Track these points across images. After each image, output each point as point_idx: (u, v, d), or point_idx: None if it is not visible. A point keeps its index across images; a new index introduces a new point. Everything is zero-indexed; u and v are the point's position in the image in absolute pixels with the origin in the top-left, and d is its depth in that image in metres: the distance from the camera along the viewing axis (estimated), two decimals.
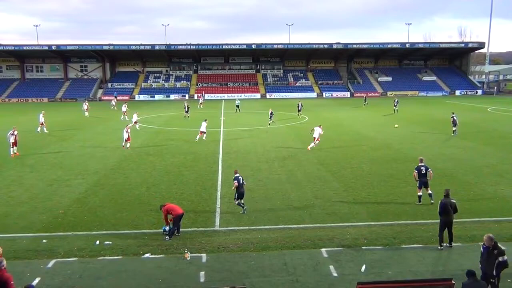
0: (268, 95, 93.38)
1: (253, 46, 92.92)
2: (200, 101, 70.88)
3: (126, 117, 50.03)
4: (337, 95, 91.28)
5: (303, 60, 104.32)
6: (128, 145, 30.85)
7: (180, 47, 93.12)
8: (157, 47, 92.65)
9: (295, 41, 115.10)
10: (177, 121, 48.32)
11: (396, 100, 56.72)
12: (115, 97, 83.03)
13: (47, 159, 27.70)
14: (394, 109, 54.45)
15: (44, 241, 14.17)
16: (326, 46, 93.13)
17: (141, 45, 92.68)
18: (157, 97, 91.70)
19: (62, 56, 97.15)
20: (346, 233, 14.59)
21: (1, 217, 16.53)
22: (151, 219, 16.00)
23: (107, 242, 13.93)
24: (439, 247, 13.27)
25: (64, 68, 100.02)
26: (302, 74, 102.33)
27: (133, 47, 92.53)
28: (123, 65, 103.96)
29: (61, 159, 27.63)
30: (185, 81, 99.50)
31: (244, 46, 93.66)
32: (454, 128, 35.64)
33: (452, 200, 13.55)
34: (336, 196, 18.80)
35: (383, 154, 27.78)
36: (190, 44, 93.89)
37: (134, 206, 17.70)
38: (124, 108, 51.87)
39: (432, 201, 17.19)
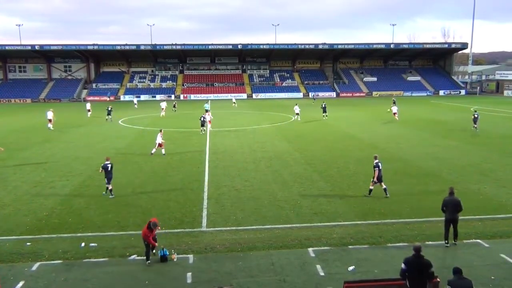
0: (254, 95, 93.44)
1: (239, 47, 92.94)
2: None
3: (89, 114, 53.72)
4: (323, 95, 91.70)
5: (289, 61, 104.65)
6: (163, 151, 28.36)
7: (165, 47, 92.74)
8: (142, 47, 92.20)
9: (281, 41, 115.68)
10: (162, 122, 48.02)
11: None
12: (108, 97, 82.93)
13: (31, 160, 27.30)
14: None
15: (28, 243, 13.96)
16: (312, 47, 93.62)
17: (126, 45, 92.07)
18: (143, 97, 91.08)
19: (45, 56, 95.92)
20: (333, 233, 14.67)
21: None
22: (137, 221, 15.87)
23: (92, 244, 13.78)
24: (445, 244, 13.48)
25: (48, 68, 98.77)
26: (288, 74, 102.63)
27: (118, 47, 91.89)
28: (108, 65, 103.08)
29: (45, 160, 27.25)
30: (171, 81, 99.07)
31: (230, 46, 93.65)
32: (475, 125, 37.96)
33: (457, 198, 13.70)
34: (323, 195, 18.87)
35: (369, 154, 27.91)
36: (175, 44, 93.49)
37: (120, 207, 17.54)
38: (88, 106, 55.81)
39: (388, 195, 18.22)
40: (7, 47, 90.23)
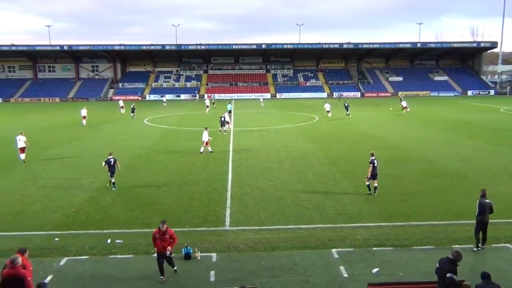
0: (278, 95, 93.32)
1: (263, 46, 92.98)
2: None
3: (123, 110, 57.11)
4: (347, 95, 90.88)
5: (313, 60, 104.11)
6: (210, 148, 28.78)
7: (190, 47, 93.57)
8: (167, 47, 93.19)
9: (305, 41, 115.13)
10: (187, 121, 48.50)
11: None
12: (139, 96, 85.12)
13: (59, 158, 27.96)
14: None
15: (56, 239, 14.31)
16: (336, 46, 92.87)
17: (152, 45, 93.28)
18: (168, 96, 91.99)
19: (73, 56, 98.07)
20: (356, 234, 14.52)
21: (14, 215, 16.73)
22: (162, 218, 16.00)
23: (118, 241, 14.02)
24: (475, 248, 13.15)
25: (76, 68, 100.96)
26: (312, 74, 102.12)
27: (144, 47, 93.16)
28: (133, 65, 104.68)
29: (73, 158, 27.87)
30: (195, 81, 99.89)
31: (254, 46, 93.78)
32: None
33: (488, 201, 13.34)
34: (347, 196, 18.71)
35: (393, 154, 27.60)
36: (200, 44, 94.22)
37: (144, 205, 17.79)
38: (121, 103, 59.47)
39: (376, 193, 18.56)
40: (37, 48, 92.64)
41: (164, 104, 71.70)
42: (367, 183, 18.93)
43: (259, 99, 75.25)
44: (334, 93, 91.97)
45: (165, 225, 11.72)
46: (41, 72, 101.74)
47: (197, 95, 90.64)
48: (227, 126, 38.75)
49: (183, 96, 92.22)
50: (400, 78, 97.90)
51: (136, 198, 18.76)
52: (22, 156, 26.89)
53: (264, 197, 18.71)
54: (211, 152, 28.65)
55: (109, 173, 20.06)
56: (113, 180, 20.08)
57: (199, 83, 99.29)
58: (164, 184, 21.13)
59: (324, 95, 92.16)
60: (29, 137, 29.76)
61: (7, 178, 22.66)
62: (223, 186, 20.62)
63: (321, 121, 47.03)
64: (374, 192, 18.73)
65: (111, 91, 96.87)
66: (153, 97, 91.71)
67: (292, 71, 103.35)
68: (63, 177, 22.75)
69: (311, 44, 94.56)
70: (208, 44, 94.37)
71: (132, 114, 52.13)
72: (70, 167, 25.07)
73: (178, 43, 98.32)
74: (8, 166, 25.67)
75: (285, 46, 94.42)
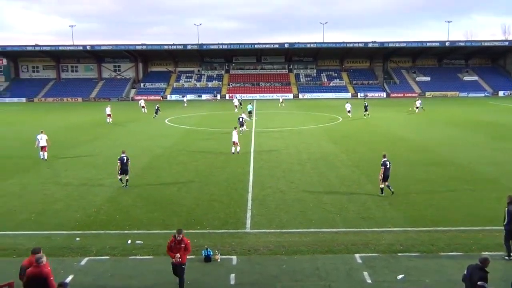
0: (300, 95, 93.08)
1: (286, 46, 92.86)
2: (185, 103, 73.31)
3: (145, 110, 58.54)
4: (372, 96, 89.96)
5: (337, 60, 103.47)
6: (238, 149, 29.01)
7: (212, 47, 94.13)
8: (189, 47, 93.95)
9: (329, 40, 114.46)
10: (208, 121, 48.81)
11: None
12: (162, 96, 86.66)
13: (81, 158, 28.50)
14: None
15: (77, 239, 14.57)
16: (361, 45, 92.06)
17: (173, 44, 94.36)
18: (189, 96, 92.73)
19: (96, 56, 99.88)
20: (381, 239, 14.33)
21: (37, 214, 17.12)
22: (182, 220, 16.20)
23: (138, 242, 14.19)
24: (506, 257, 12.76)
25: (98, 68, 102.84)
26: (336, 74, 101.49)
27: (166, 47, 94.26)
28: (155, 65, 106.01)
29: (94, 158, 28.37)
30: (217, 81, 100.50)
31: (277, 46, 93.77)
32: None
33: None
34: (371, 199, 18.49)
35: (420, 157, 27.17)
36: (222, 44, 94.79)
37: (165, 206, 17.97)
38: (142, 103, 60.74)
39: (392, 191, 18.78)
40: (60, 48, 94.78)
41: (185, 104, 72.45)
42: (381, 186, 18.98)
43: (279, 99, 74.89)
44: (358, 94, 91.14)
45: (181, 235, 11.29)
46: (64, 72, 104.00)
47: (217, 95, 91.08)
48: (243, 127, 38.70)
49: (204, 96, 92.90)
50: (428, 78, 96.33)
51: (156, 199, 18.96)
52: (45, 154, 27.76)
53: (286, 199, 18.66)
54: (238, 152, 28.89)
55: (119, 170, 20.67)
56: (126, 178, 20.79)
57: (220, 83, 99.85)
58: (185, 184, 21.29)
59: (348, 95, 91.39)
60: (51, 137, 30.51)
61: (31, 177, 23.22)
62: (244, 187, 20.65)
63: (344, 122, 46.65)
64: (381, 193, 18.89)
65: (133, 91, 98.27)
66: (174, 97, 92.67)
67: (315, 71, 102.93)
68: (85, 176, 23.18)
69: (335, 43, 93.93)
70: (230, 44, 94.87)
71: (155, 115, 52.76)
72: (92, 167, 25.52)
73: (200, 42, 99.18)
74: (32, 165, 26.31)
75: (308, 45, 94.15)
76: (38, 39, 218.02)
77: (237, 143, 29.05)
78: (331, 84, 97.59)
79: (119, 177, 20.86)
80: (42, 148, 27.92)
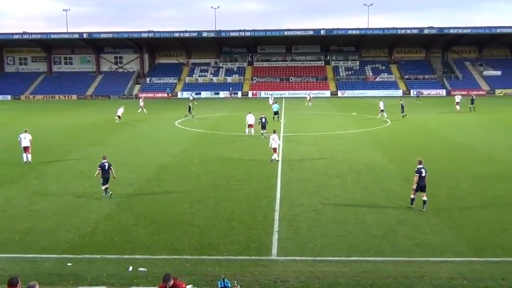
0: (340, 93, 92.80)
1: (322, 32, 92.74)
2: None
3: (144, 110, 60.54)
4: (428, 93, 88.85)
5: (385, 49, 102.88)
6: (276, 157, 29.58)
7: (232, 34, 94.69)
8: (204, 34, 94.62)
9: (375, 25, 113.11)
10: (226, 124, 49.02)
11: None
12: (168, 93, 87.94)
13: (75, 166, 28.97)
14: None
15: (69, 264, 14.75)
16: (415, 31, 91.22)
17: (186, 32, 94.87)
18: (204, 94, 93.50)
19: (94, 45, 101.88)
20: (439, 271, 14.07)
21: (21, 233, 17.42)
22: (194, 243, 16.23)
23: (141, 269, 14.27)
24: None
25: (96, 60, 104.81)
26: (383, 67, 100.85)
27: (176, 35, 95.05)
28: (164, 56, 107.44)
29: (90, 167, 28.69)
30: (237, 75, 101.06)
31: (311, 32, 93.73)
32: None
33: None
34: (427, 222, 18.19)
35: (488, 170, 26.62)
36: (244, 30, 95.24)
37: (174, 226, 18.05)
38: (141, 103, 62.90)
39: (424, 209, 19.14)
40: (52, 36, 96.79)
41: (195, 103, 73.36)
42: (412, 196, 19.56)
43: (306, 97, 74.43)
44: (411, 91, 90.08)
45: (171, 281, 10.62)
46: (56, 64, 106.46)
47: (233, 92, 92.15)
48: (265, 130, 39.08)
49: (222, 94, 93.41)
50: (498, 72, 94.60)
51: (163, 218, 19.07)
52: (28, 156, 29.54)
53: (321, 220, 18.52)
54: (277, 160, 29.24)
55: (101, 179, 21.59)
56: (106, 186, 21.70)
57: (242, 77, 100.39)
58: (197, 200, 21.37)
59: (399, 92, 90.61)
60: (40, 142, 31.16)
61: (16, 190, 23.70)
62: (270, 205, 20.59)
63: (394, 126, 46.16)
64: (423, 208, 19.24)
65: (137, 87, 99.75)
66: (186, 94, 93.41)
67: (358, 63, 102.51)
68: (78, 189, 23.51)
69: (383, 29, 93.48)
70: (254, 30, 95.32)
71: (187, 114, 54.12)
72: (87, 178, 25.87)
73: (217, 29, 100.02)
74: (17, 175, 26.87)
75: (350, 32, 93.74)
76: (26, 26, 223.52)
77: (275, 150, 29.41)
78: (377, 79, 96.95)
79: (104, 187, 21.72)
80: (25, 149, 29.51)
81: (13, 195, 22.72)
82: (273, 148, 29.46)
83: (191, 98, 76.84)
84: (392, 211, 19.53)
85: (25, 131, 30.24)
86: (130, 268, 14.33)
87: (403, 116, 51.73)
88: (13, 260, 15.06)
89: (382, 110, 53.16)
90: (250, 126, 40.05)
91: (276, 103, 54.34)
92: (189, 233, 17.30)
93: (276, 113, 50.27)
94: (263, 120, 38.87)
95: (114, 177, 22.21)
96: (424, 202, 19.32)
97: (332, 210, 19.79)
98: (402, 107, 52.52)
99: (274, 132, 30.55)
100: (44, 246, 16.17)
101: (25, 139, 29.67)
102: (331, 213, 19.39)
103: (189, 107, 55.46)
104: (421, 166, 19.62)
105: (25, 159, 29.49)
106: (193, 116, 53.75)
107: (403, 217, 18.76)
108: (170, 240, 16.59)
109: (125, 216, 19.36)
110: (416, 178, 19.35)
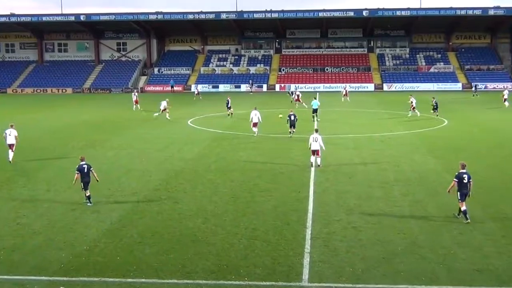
0: (386, 86, 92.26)
1: (365, 13, 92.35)
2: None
3: (139, 106, 62.85)
4: (494, 87, 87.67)
5: (441, 34, 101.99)
6: (319, 160, 29.90)
7: (256, 16, 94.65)
8: (223, 16, 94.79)
9: (429, 4, 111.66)
10: (248, 123, 49.03)
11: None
12: (172, 87, 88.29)
13: (69, 173, 29.18)
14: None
15: None
16: (478, 12, 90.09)
17: (202, 13, 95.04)
18: (222, 87, 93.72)
19: (93, 30, 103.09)
20: None
21: (7, 251, 17.66)
22: (209, 265, 16.28)
23: None
24: None
25: (96, 47, 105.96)
26: (439, 55, 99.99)
27: (190, 16, 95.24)
28: (175, 42, 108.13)
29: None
30: (262, 65, 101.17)
31: (351, 13, 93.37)
32: None
33: None
34: (491, 244, 17.97)
35: None
36: (271, 11, 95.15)
37: (186, 244, 18.12)
38: (134, 97, 64.41)
39: (463, 218, 19.79)
40: (44, 18, 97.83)
41: (200, 97, 74.22)
42: (462, 208, 19.94)
43: (341, 90, 74.86)
44: (472, 84, 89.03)
45: None
46: (48, 52, 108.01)
47: (253, 85, 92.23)
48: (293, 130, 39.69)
49: (244, 87, 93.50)
50: None
51: (173, 234, 19.16)
52: (11, 155, 31.22)
53: (362, 239, 18.42)
54: (318, 165, 29.43)
55: (81, 184, 22.47)
56: (87, 194, 22.57)
57: (268, 68, 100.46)
58: (213, 215, 21.42)
59: (458, 86, 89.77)
60: (30, 143, 31.63)
61: (2, 200, 23.96)
62: (300, 220, 20.55)
63: (451, 127, 45.73)
64: (466, 219, 19.76)
65: (143, 78, 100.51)
66: (201, 87, 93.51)
67: (407, 50, 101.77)
68: (73, 199, 23.75)
69: (438, 9, 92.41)
70: (283, 11, 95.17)
71: (229, 111, 54.85)
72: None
73: (238, 9, 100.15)
74: (2, 182, 27.29)
75: (399, 13, 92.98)
76: (14, 7, 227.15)
77: (317, 153, 29.53)
78: (431, 70, 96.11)
79: (87, 193, 22.64)
80: (10, 146, 31.26)
81: None
82: (313, 150, 29.46)
83: (196, 92, 77.53)
84: (449, 230, 19.31)
85: (11, 126, 31.94)
86: None
87: (437, 115, 52.15)
88: None
89: (413, 108, 53.79)
90: (254, 125, 40.95)
91: (315, 98, 54.07)
92: (204, 253, 17.34)
93: (315, 110, 50.25)
94: (292, 117, 38.89)
95: (97, 181, 23.14)
96: (464, 212, 19.88)
97: (375, 227, 19.66)
98: (436, 105, 53.13)
99: (316, 131, 30.49)
100: (33, 267, 16.35)
101: (10, 136, 31.34)
102: (374, 231, 19.26)
103: (228, 102, 55.69)
104: (463, 171, 20.07)
105: (10, 158, 31.10)
106: (231, 114, 54.43)
107: (462, 238, 18.55)
108: (181, 262, 16.65)
109: (128, 232, 19.50)
110: (453, 184, 20.10)
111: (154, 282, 15.29)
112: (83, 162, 22.91)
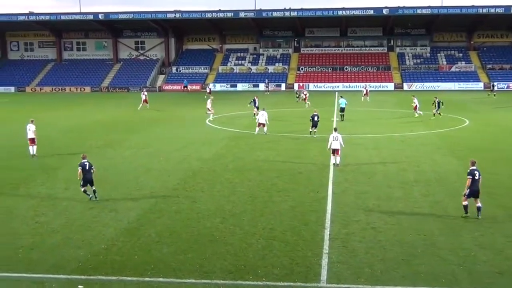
0: (406, 85, 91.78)
1: (385, 11, 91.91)
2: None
3: (148, 105, 62.90)
4: None
5: (462, 33, 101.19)
6: (338, 160, 30.14)
7: (275, 14, 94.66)
8: (242, 14, 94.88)
9: (450, 2, 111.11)
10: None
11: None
12: (185, 86, 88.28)
13: None
14: None
15: (80, 286, 15.03)
16: (500, 10, 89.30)
17: (220, 11, 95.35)
18: (240, 86, 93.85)
19: (111, 28, 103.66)
20: None
21: (26, 249, 17.86)
22: (227, 265, 16.33)
23: None
24: None
25: (114, 45, 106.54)
26: (461, 54, 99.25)
27: (209, 15, 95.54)
28: (193, 41, 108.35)
29: (106, 172, 29.21)
30: (281, 64, 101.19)
31: (371, 11, 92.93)
32: None
33: None
34: None
35: None
36: (290, 10, 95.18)
37: (203, 244, 18.18)
38: (143, 96, 63.74)
39: (479, 217, 20.17)
40: (63, 17, 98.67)
41: (211, 97, 73.92)
42: (464, 202, 20.37)
43: (362, 90, 74.67)
44: (493, 84, 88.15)
45: None
46: (67, 50, 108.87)
47: (269, 85, 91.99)
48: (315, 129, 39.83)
49: (262, 86, 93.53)
50: None
51: (191, 234, 19.24)
52: (33, 148, 33.02)
53: (381, 240, 18.37)
54: (337, 165, 29.61)
55: (82, 181, 23.32)
56: (93, 188, 23.49)
57: (286, 67, 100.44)
58: (231, 214, 21.48)
59: (479, 85, 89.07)
60: (49, 141, 32.01)
61: (21, 198, 24.33)
62: (319, 221, 20.54)
63: (474, 127, 45.43)
64: (478, 215, 20.23)
65: (161, 77, 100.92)
66: (219, 86, 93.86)
67: (428, 49, 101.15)
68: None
69: (460, 7, 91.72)
70: (302, 10, 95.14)
71: (254, 108, 54.08)
72: (100, 185, 26.32)
73: (257, 8, 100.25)
74: (21, 180, 27.62)
75: (419, 11, 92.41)
76: (32, 6, 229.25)
77: (338, 152, 29.77)
78: (453, 69, 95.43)
79: (83, 189, 23.35)
80: (30, 140, 33.04)
81: (16, 204, 23.33)
82: (334, 150, 29.60)
83: (208, 91, 77.21)
84: (469, 231, 19.19)
85: (31, 121, 33.62)
86: None
87: (439, 114, 52.01)
88: (16, 280, 15.47)
89: (416, 107, 53.74)
90: (260, 125, 41.54)
91: (342, 97, 53.87)
92: (221, 253, 17.40)
93: (342, 109, 50.24)
94: (316, 118, 39.02)
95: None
96: (479, 209, 20.30)
97: (395, 228, 19.59)
98: (438, 104, 52.66)
99: (335, 130, 30.65)
100: (52, 265, 16.52)
101: (30, 131, 33.03)
102: (393, 232, 19.20)
103: (254, 101, 55.23)
104: (474, 167, 20.51)
105: (31, 152, 32.88)
106: (255, 114, 53.96)
107: (483, 239, 18.43)
108: (199, 261, 16.72)
109: (146, 231, 19.61)
110: (468, 182, 20.22)
111: (172, 281, 15.36)
112: (85, 160, 23.76)
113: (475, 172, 20.31)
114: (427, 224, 20.13)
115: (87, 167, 23.37)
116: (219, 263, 16.54)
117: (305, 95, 65.99)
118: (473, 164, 20.74)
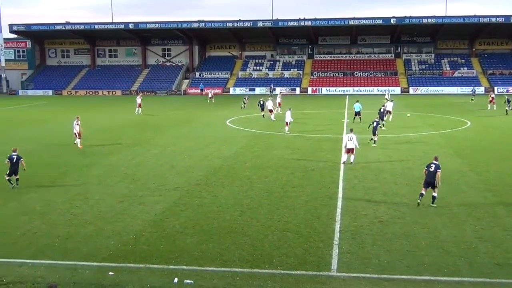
0: (412, 90, 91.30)
1: (393, 21, 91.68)
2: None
3: (140, 110, 61.09)
4: None
5: (465, 40, 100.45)
6: (353, 158, 30.05)
7: (290, 23, 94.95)
8: (260, 24, 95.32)
9: (454, 12, 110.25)
10: (284, 124, 49.05)
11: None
12: (202, 90, 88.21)
13: (118, 168, 29.76)
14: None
15: (110, 273, 15.16)
16: (500, 20, 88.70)
17: (240, 21, 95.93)
18: (258, 90, 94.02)
19: (140, 37, 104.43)
20: None
21: (61, 239, 18.07)
22: (245, 255, 16.36)
23: (187, 281, 14.48)
24: None
25: (143, 52, 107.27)
26: (463, 61, 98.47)
27: (230, 24, 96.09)
28: (215, 49, 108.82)
29: (135, 169, 29.49)
30: (296, 70, 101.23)
31: (380, 21, 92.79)
32: None
33: None
34: None
35: None
36: (304, 20, 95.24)
37: (223, 235, 18.25)
38: (139, 100, 62.06)
39: (433, 205, 21.11)
40: (96, 27, 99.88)
41: (213, 100, 74.76)
42: (422, 191, 21.42)
43: (384, 94, 74.57)
44: (495, 88, 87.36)
45: None
46: (100, 57, 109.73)
47: (272, 87, 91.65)
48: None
49: (278, 90, 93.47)
50: None
51: (212, 225, 19.32)
52: (78, 141, 36.11)
53: (387, 233, 18.30)
54: (350, 163, 29.65)
55: (8, 171, 24.54)
56: (16, 177, 24.70)
57: (301, 72, 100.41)
58: (249, 208, 21.53)
59: (480, 90, 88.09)
60: (83, 140, 32.55)
61: (56, 192, 24.60)
62: (330, 214, 20.51)
63: (475, 128, 45.06)
64: (432, 203, 21.25)
65: (186, 82, 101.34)
66: (238, 90, 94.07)
67: (433, 55, 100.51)
68: (121, 193, 24.15)
69: (463, 17, 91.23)
70: (315, 19, 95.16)
71: (261, 111, 54.62)
72: (130, 181, 26.55)
73: (274, 18, 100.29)
74: (58, 176, 27.89)
75: (425, 21, 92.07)
76: (69, 16, 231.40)
77: (353, 151, 29.79)
78: (456, 75, 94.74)
79: (8, 178, 24.65)
80: (75, 135, 36.25)
81: (53, 197, 23.58)
82: (348, 149, 29.56)
83: (210, 95, 76.48)
84: (471, 226, 19.05)
85: (77, 118, 36.76)
86: (176, 280, 14.57)
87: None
88: (52, 267, 15.62)
89: (389, 112, 49.61)
90: (287, 124, 42.78)
91: (358, 101, 51.66)
92: (240, 243, 17.45)
93: (357, 113, 49.04)
94: (375, 124, 36.77)
95: (25, 169, 25.00)
96: (434, 198, 21.22)
97: (400, 222, 19.50)
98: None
99: (351, 131, 30.64)
100: (85, 254, 16.68)
101: (76, 127, 36.23)
102: (399, 225, 19.12)
103: (261, 103, 55.38)
104: (434, 162, 21.51)
105: (78, 145, 35.88)
106: (263, 116, 54.19)
107: (484, 233, 18.27)
108: (219, 251, 16.78)
109: (171, 223, 19.73)
110: (423, 172, 21.68)
111: (194, 269, 15.42)
112: (15, 153, 24.85)
113: (431, 165, 21.28)
114: (431, 218, 20.01)
115: (14, 160, 24.54)
116: (238, 252, 16.58)
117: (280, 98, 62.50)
118: (435, 159, 21.81)
